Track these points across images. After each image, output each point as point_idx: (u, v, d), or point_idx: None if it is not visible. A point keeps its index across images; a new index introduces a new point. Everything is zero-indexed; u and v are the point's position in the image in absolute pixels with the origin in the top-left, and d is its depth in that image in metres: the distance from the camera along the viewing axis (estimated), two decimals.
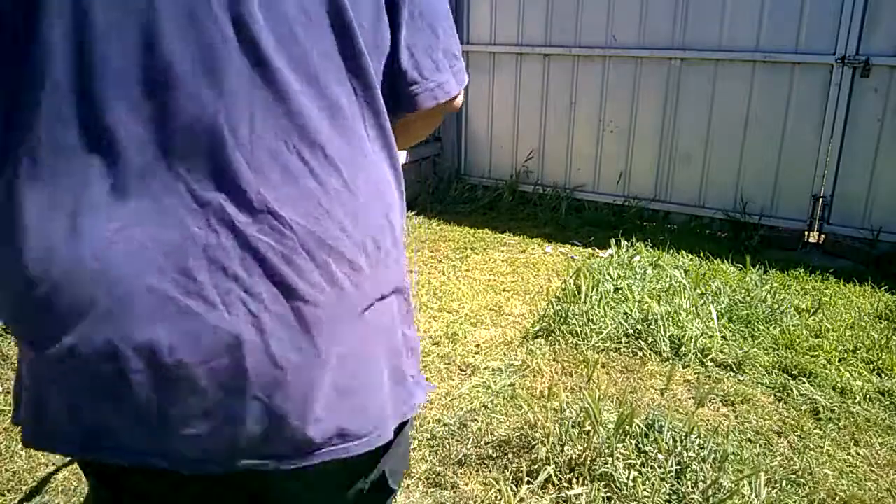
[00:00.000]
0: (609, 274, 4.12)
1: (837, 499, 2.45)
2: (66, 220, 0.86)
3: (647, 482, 2.41)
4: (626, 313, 3.65)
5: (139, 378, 0.88)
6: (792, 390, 3.09)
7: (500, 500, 2.41)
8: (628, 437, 2.57)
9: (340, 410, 0.98)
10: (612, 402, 2.97)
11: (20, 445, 2.62)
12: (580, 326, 3.55)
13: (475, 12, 5.85)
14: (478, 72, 5.98)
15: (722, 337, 3.48)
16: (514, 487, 2.42)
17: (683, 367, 3.27)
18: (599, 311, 3.66)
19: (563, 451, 2.53)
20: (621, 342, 3.46)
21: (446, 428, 2.81)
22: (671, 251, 4.66)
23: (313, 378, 0.94)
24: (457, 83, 1.10)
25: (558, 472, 2.46)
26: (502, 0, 5.69)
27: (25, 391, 1.01)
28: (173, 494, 1.08)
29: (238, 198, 0.88)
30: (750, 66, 4.89)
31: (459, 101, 1.13)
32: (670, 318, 3.52)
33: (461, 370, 3.29)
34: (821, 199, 4.88)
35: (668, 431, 2.61)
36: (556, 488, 2.43)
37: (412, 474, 2.53)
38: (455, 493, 2.46)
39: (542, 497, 2.40)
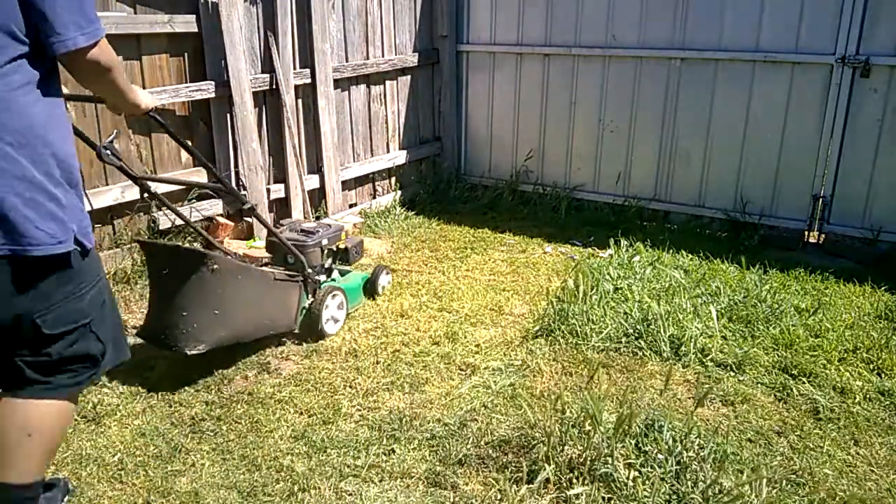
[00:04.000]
0: (609, 274, 4.12)
1: (837, 499, 2.45)
2: None
3: (647, 482, 2.41)
4: (625, 313, 3.65)
5: None
6: (792, 390, 3.09)
7: (500, 500, 2.41)
8: (628, 437, 2.57)
9: None
10: (612, 402, 2.97)
11: None
12: (580, 326, 3.55)
13: (475, 12, 5.85)
14: (478, 71, 5.98)
15: (722, 337, 3.48)
16: (515, 487, 2.42)
17: (683, 367, 3.27)
18: (599, 311, 3.66)
19: (563, 451, 2.52)
20: (621, 342, 3.46)
21: (446, 428, 2.81)
22: (671, 251, 4.65)
23: None
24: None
25: (558, 472, 2.46)
26: (502, 0, 5.70)
27: None
28: None
29: None
30: (750, 66, 4.89)
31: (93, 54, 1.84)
32: (670, 318, 3.52)
33: (461, 370, 3.29)
34: (821, 199, 4.88)
35: (667, 431, 2.61)
36: (556, 488, 2.43)
37: (412, 474, 2.54)
38: (455, 493, 2.46)
39: (542, 497, 2.40)
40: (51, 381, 1.94)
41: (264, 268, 3.33)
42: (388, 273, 4.18)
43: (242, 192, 4.22)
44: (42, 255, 1.78)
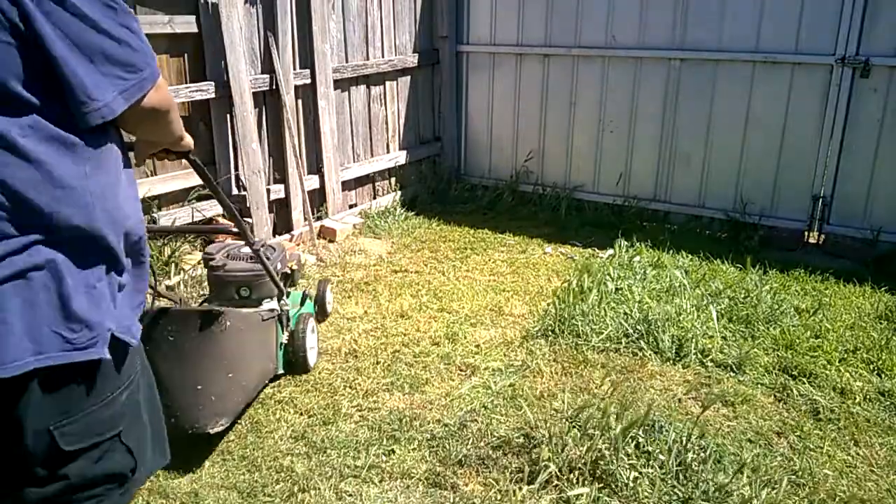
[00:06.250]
0: (609, 274, 4.12)
1: (837, 499, 2.45)
2: None
3: (647, 482, 2.41)
4: (626, 313, 3.65)
5: None
6: (792, 390, 3.09)
7: (501, 500, 2.41)
8: (629, 437, 2.57)
9: None
10: (613, 402, 2.96)
11: None
12: (580, 326, 3.55)
13: (475, 12, 5.85)
14: (478, 72, 5.98)
15: (722, 337, 3.48)
16: (515, 488, 2.42)
17: (684, 368, 3.27)
18: (600, 312, 3.66)
19: (563, 451, 2.52)
20: (621, 342, 3.46)
21: (446, 428, 2.81)
22: (671, 251, 4.65)
23: None
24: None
25: (559, 472, 2.46)
26: (502, 0, 5.70)
27: None
28: None
29: None
30: (750, 67, 4.89)
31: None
32: (670, 319, 3.52)
33: (461, 370, 3.29)
34: (821, 200, 4.88)
35: (669, 432, 2.61)
36: (557, 488, 2.43)
37: (412, 474, 2.54)
38: (455, 493, 2.46)
39: (542, 497, 2.40)
40: None
41: (242, 309, 2.83)
42: (329, 284, 3.83)
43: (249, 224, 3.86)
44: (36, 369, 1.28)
